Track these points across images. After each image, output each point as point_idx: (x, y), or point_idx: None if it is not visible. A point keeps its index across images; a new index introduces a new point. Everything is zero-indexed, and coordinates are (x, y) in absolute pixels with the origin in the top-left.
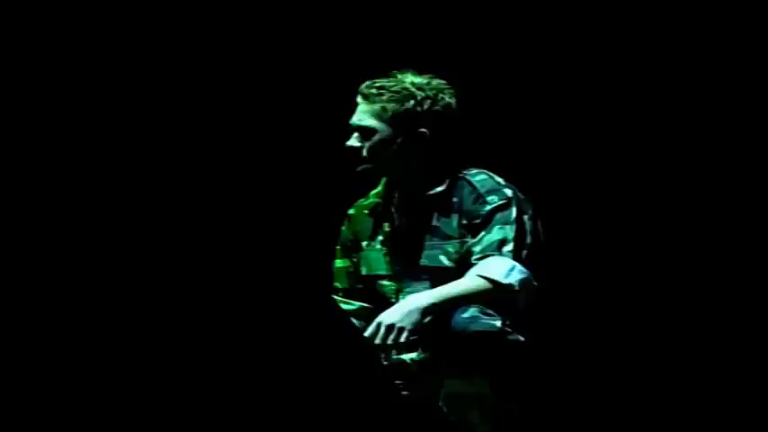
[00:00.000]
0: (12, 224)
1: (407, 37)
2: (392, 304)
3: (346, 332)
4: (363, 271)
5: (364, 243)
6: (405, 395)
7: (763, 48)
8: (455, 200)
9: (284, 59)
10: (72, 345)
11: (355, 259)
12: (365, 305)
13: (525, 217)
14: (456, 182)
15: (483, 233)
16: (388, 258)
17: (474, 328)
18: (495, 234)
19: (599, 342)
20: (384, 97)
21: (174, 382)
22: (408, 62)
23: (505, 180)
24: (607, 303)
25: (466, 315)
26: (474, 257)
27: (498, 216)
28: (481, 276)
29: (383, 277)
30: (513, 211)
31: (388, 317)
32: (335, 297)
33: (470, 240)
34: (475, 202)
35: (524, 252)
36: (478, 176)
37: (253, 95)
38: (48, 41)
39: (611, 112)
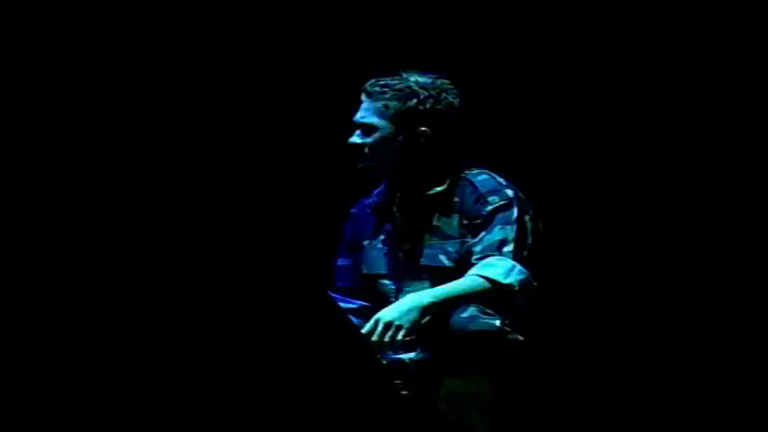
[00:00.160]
0: (12, 224)
1: (414, 37)
2: (392, 303)
3: (345, 331)
4: (364, 270)
5: (365, 242)
6: (404, 395)
7: (764, 48)
8: (456, 200)
9: (289, 58)
10: (72, 344)
11: (356, 258)
12: (365, 304)
13: (526, 217)
14: (457, 181)
15: (483, 233)
16: (388, 257)
17: (473, 327)
18: (496, 234)
19: (598, 341)
20: (387, 95)
21: (173, 379)
22: (414, 62)
23: (507, 180)
24: (606, 303)
25: (465, 315)
26: (474, 257)
27: (499, 216)
28: (481, 276)
29: (384, 276)
30: (514, 211)
31: (386, 314)
32: (334, 295)
33: (471, 240)
34: (476, 202)
35: (525, 252)
36: (480, 176)
37: (256, 94)
38: (48, 41)
39: (611, 113)
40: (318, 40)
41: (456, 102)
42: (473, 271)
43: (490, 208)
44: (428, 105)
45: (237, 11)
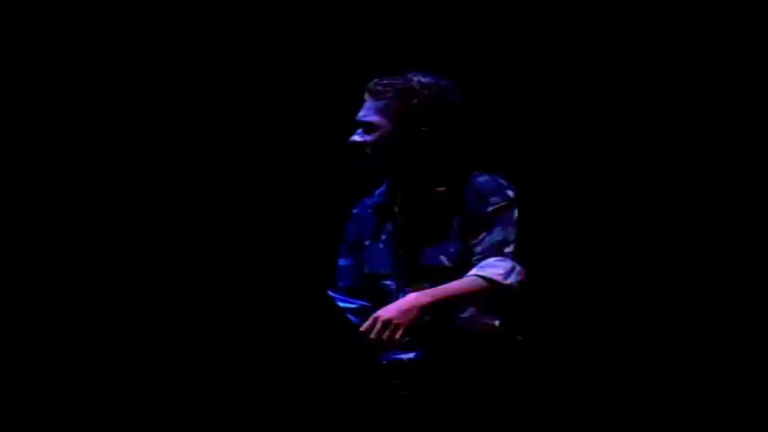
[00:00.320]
0: (12, 224)
1: (418, 37)
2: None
3: (345, 331)
4: (365, 269)
5: (367, 242)
6: (402, 395)
7: (764, 48)
8: (457, 200)
9: (291, 58)
10: (72, 344)
11: (358, 258)
12: (365, 303)
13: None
14: (459, 182)
15: (484, 234)
16: (389, 257)
17: (473, 327)
18: (497, 235)
19: (598, 341)
20: (389, 94)
21: (172, 378)
22: (418, 62)
23: (508, 181)
24: (606, 301)
25: (465, 314)
26: (474, 258)
27: (500, 217)
28: (481, 276)
29: (385, 276)
30: (515, 212)
31: (385, 312)
32: (333, 294)
33: (471, 241)
34: (477, 202)
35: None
36: (481, 177)
37: (258, 94)
38: (48, 41)
39: (614, 113)
40: (321, 39)
41: (458, 102)
42: (473, 271)
43: (491, 208)
44: (430, 105)
45: (240, 10)
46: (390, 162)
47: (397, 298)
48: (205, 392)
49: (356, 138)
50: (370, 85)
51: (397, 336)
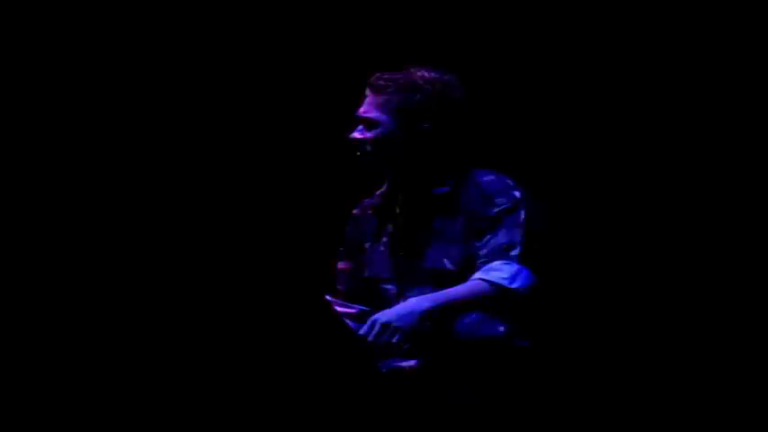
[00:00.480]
0: (12, 224)
1: (422, 32)
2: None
3: (343, 337)
4: (366, 273)
5: (367, 244)
6: (402, 405)
7: (764, 48)
8: (461, 200)
9: (290, 51)
10: (72, 344)
11: (358, 261)
12: (364, 308)
13: (534, 220)
14: (463, 182)
15: (489, 236)
16: (390, 260)
17: (477, 333)
18: (502, 237)
19: (608, 349)
20: (390, 89)
21: (171, 380)
22: (422, 57)
23: (515, 181)
24: (617, 308)
25: (468, 320)
26: (479, 261)
27: (506, 218)
28: (485, 280)
29: (385, 280)
30: (522, 213)
31: (384, 315)
32: (331, 299)
33: (476, 243)
34: (482, 203)
35: (532, 256)
36: (487, 176)
37: (255, 89)
38: (48, 41)
39: (619, 115)
40: (321, 33)
41: (463, 98)
42: (478, 275)
43: (497, 210)
44: (433, 101)
45: (238, 3)
46: (392, 160)
47: (397, 303)
48: (201, 398)
49: (356, 134)
50: (372, 79)
51: (395, 340)
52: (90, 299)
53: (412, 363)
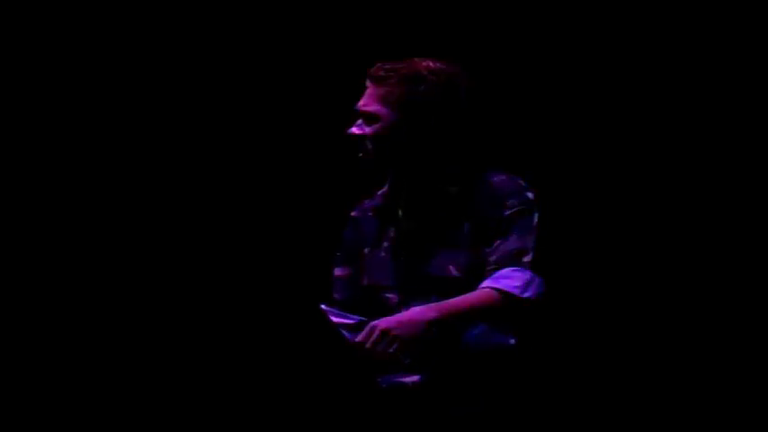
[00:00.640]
0: (12, 224)
1: (429, 20)
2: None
3: (339, 350)
4: (365, 280)
5: (367, 249)
6: (404, 422)
7: (764, 48)
8: (469, 202)
9: (286, 43)
10: (71, 344)
11: (357, 267)
12: (363, 319)
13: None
14: (471, 182)
15: (499, 241)
16: (392, 267)
17: (485, 346)
18: (513, 242)
19: (622, 361)
20: (392, 80)
21: (166, 386)
22: (428, 46)
23: (528, 182)
24: (634, 320)
25: (475, 332)
26: (488, 268)
27: (517, 222)
28: (495, 289)
29: (386, 288)
30: (535, 217)
31: (384, 322)
32: (327, 308)
33: (485, 249)
34: (492, 205)
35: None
36: (497, 176)
37: (247, 83)
38: (48, 41)
39: (619, 114)
40: (320, 22)
41: (471, 91)
42: (486, 283)
43: (508, 213)
44: (438, 93)
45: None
46: (393, 158)
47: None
48: (200, 403)
49: (355, 129)
50: (373, 70)
51: (392, 349)
52: (86, 300)
53: (414, 378)
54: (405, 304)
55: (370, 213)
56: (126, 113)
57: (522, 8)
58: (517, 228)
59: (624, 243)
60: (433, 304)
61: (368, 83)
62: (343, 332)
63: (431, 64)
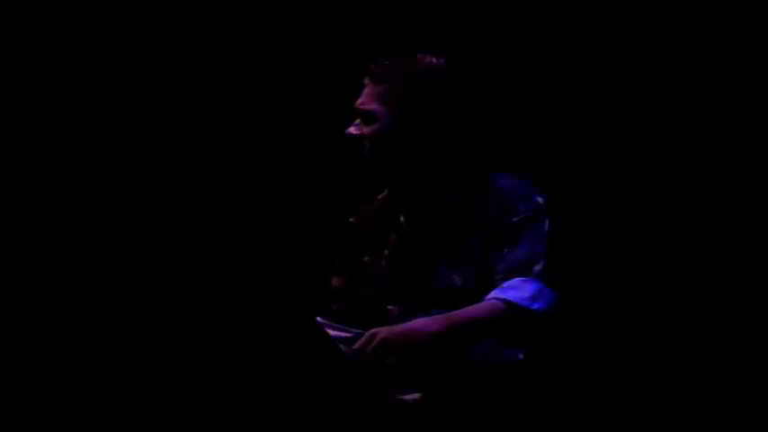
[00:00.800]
0: (12, 224)
1: (434, 14)
2: None
3: (336, 365)
4: (364, 291)
5: (366, 258)
6: None
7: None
8: (475, 208)
9: (281, 40)
10: (71, 345)
11: (355, 276)
12: (362, 332)
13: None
14: (477, 186)
15: (508, 249)
16: (393, 277)
17: (492, 361)
18: (523, 250)
19: (638, 378)
20: (391, 78)
21: (164, 400)
22: (432, 42)
23: (539, 186)
24: (651, 335)
25: (482, 346)
26: (496, 278)
27: (527, 229)
28: (503, 300)
29: (387, 300)
30: (546, 223)
31: (385, 331)
32: (323, 320)
33: (492, 257)
34: (499, 211)
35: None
36: (505, 180)
37: (239, 82)
38: (48, 41)
39: (642, 117)
40: (315, 16)
41: (477, 89)
42: (494, 294)
43: (517, 219)
44: (442, 92)
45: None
46: (394, 160)
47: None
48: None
49: (353, 130)
50: (372, 66)
51: (390, 360)
52: (86, 300)
53: (415, 395)
54: (406, 316)
55: (369, 219)
56: (124, 117)
57: (534, 3)
58: (527, 235)
59: (642, 252)
60: (437, 316)
61: (366, 80)
62: (341, 346)
63: (433, 60)
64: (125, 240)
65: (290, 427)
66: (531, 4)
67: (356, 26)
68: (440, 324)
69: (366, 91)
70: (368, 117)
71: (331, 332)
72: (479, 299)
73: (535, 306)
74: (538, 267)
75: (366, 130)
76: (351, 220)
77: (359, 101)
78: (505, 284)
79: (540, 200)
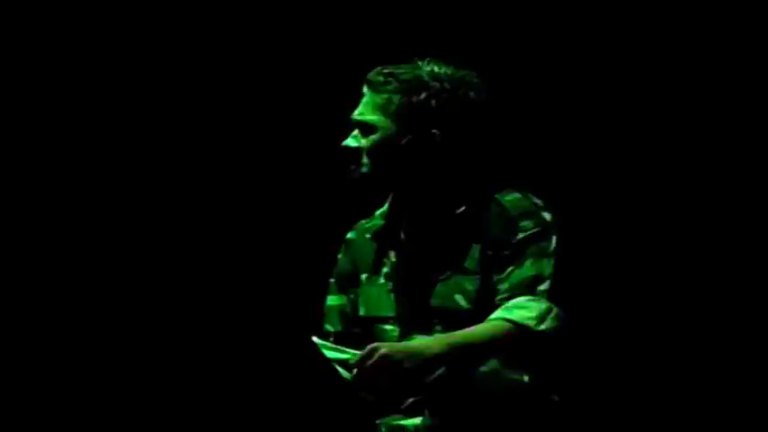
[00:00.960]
0: (12, 224)
1: (437, 21)
2: None
3: (332, 388)
4: (362, 311)
5: (364, 276)
6: None
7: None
8: (479, 225)
9: (274, 43)
10: (70, 345)
11: (353, 296)
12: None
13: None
14: (480, 201)
15: (512, 267)
16: (392, 296)
17: (496, 384)
18: (528, 269)
19: (648, 402)
20: (390, 87)
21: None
22: (435, 50)
23: (545, 201)
24: (660, 356)
25: (486, 368)
26: (499, 297)
27: (533, 246)
28: (507, 321)
29: (385, 320)
30: (553, 240)
31: (387, 347)
32: (319, 342)
33: (496, 276)
34: (504, 227)
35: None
36: (509, 196)
37: (232, 85)
38: (48, 41)
39: (653, 129)
40: (312, 21)
41: (480, 99)
42: (498, 314)
43: (522, 236)
44: (442, 101)
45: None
46: (393, 174)
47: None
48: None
49: (351, 142)
50: (371, 74)
51: (391, 378)
52: (85, 300)
53: (416, 420)
54: (406, 338)
55: (367, 236)
56: (122, 122)
57: (542, 11)
58: (532, 253)
59: (652, 270)
60: (439, 336)
61: (365, 89)
62: (337, 368)
63: (435, 68)
64: (122, 248)
65: None
66: (532, 13)
67: (353, 33)
68: (441, 345)
69: (364, 101)
70: (366, 128)
71: (327, 353)
72: (482, 319)
73: (541, 327)
74: (544, 287)
75: (364, 141)
76: (348, 236)
77: (357, 111)
78: (510, 304)
79: (546, 216)
